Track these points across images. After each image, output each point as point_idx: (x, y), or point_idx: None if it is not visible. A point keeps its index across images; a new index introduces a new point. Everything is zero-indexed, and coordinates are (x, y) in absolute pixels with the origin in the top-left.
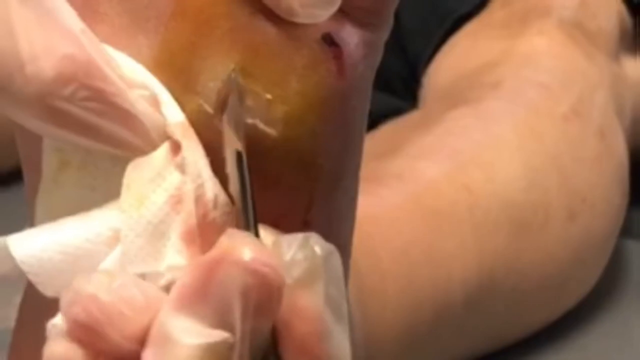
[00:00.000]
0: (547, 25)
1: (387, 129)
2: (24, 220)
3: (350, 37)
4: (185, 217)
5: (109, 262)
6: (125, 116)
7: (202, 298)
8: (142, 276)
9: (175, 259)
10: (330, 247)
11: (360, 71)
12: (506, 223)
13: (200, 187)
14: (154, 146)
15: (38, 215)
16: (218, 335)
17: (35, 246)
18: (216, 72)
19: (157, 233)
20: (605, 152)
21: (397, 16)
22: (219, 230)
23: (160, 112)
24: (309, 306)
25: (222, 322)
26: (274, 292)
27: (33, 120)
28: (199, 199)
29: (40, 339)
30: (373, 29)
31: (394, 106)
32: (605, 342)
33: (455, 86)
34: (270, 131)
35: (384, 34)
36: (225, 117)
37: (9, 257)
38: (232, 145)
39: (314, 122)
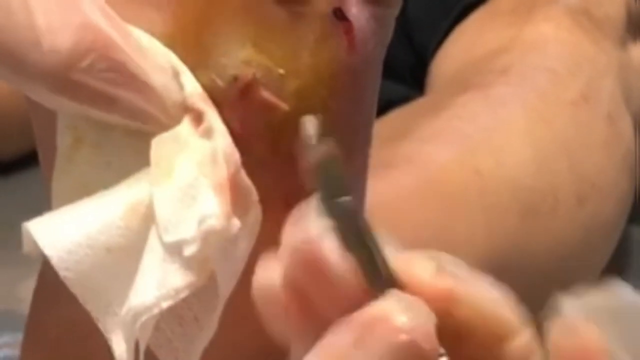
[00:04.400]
0: (554, 12)
1: (396, 115)
2: (27, 206)
3: (361, 12)
4: (217, 171)
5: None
6: (143, 87)
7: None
8: (177, 243)
9: (208, 208)
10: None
11: (371, 46)
12: (516, 207)
13: (229, 147)
14: (171, 118)
15: (54, 193)
16: None
17: (56, 230)
18: (228, 47)
19: (187, 198)
20: (613, 137)
21: (404, 5)
22: (247, 192)
23: (180, 83)
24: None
25: None
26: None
27: (50, 95)
28: (229, 157)
29: (54, 322)
30: (383, 4)
31: (401, 94)
32: None
33: (463, 73)
34: (283, 105)
35: (395, 10)
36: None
37: (31, 239)
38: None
39: (325, 96)
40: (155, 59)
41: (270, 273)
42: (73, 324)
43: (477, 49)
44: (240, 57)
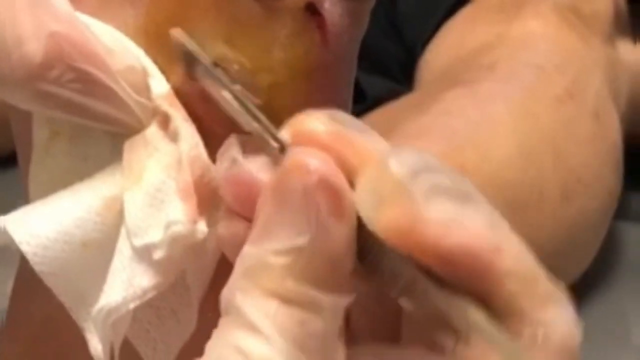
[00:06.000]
0: (542, 9)
1: (384, 110)
2: (19, 202)
3: (334, 6)
4: (182, 176)
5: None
6: (112, 95)
7: (280, 220)
8: (145, 247)
9: (174, 214)
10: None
11: (345, 41)
12: (501, 202)
13: (194, 149)
14: (141, 121)
15: (31, 186)
16: (298, 242)
17: (32, 225)
18: (201, 43)
19: (155, 202)
20: (599, 133)
21: (395, 1)
22: (215, 191)
23: (147, 84)
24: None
25: (302, 231)
26: (340, 192)
27: (22, 103)
28: (194, 160)
29: (31, 317)
30: None
31: (391, 89)
32: (599, 322)
33: (452, 68)
34: (256, 101)
35: (369, 5)
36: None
37: (7, 233)
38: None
39: (299, 91)
40: (125, 61)
41: (229, 224)
42: (50, 319)
43: (466, 45)
44: (212, 53)
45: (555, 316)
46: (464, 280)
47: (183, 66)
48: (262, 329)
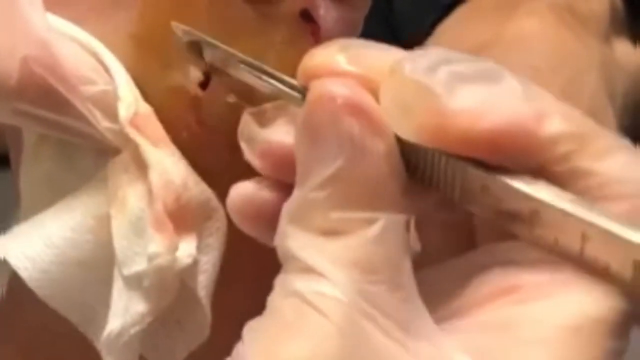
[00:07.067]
0: (537, 8)
1: None
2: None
3: (328, 13)
4: (153, 207)
5: None
6: (84, 117)
7: (315, 155)
8: (135, 276)
9: (151, 247)
10: None
11: None
12: None
13: (163, 175)
14: (117, 141)
15: (22, 188)
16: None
17: (27, 249)
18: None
19: (137, 230)
20: None
21: (390, 1)
22: (201, 205)
23: (118, 108)
24: None
25: (337, 158)
26: (368, 110)
27: (2, 117)
28: (165, 187)
29: (24, 325)
30: (351, 6)
31: None
32: None
33: None
34: (248, 107)
35: (363, 12)
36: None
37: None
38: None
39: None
40: (98, 86)
41: (241, 189)
42: (43, 327)
43: (461, 45)
44: (206, 57)
45: (622, 163)
46: (516, 160)
47: (192, 57)
48: (316, 268)
